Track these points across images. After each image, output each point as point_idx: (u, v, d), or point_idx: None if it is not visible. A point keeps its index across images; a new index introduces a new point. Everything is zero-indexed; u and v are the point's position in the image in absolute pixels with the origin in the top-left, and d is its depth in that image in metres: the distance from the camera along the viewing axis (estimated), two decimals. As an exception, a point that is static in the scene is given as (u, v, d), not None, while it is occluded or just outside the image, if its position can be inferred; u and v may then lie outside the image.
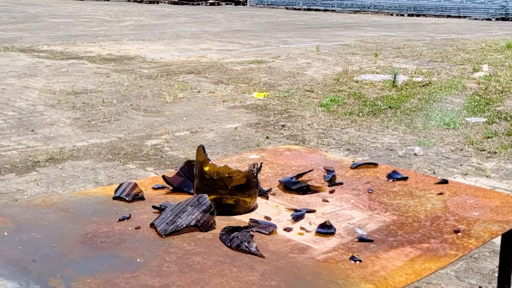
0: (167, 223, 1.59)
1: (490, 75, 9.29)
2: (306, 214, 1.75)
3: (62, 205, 1.79)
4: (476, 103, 7.28)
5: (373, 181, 2.09)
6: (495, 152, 5.31)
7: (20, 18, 19.89)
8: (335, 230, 1.63)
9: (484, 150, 5.38)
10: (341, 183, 2.05)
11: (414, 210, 1.81)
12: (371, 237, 1.60)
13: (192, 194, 1.84)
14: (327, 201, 1.89)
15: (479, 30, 18.96)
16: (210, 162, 1.77)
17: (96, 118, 6.34)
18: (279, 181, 2.04)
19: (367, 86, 8.40)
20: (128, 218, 1.69)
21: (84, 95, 7.49)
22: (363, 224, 1.69)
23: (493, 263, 3.25)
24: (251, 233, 1.57)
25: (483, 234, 1.64)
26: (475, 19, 24.83)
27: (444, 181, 2.08)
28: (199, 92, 7.87)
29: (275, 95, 7.70)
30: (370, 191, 1.97)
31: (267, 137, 5.70)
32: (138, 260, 1.43)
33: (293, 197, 1.92)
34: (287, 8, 30.68)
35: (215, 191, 1.75)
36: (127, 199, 1.83)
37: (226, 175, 1.76)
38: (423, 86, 8.44)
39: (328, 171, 2.16)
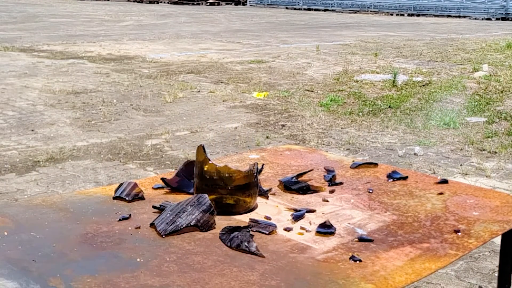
0: (167, 223, 1.59)
1: (490, 75, 9.29)
2: (306, 214, 1.75)
3: (62, 205, 1.79)
4: (476, 103, 7.27)
5: (373, 181, 2.09)
6: (495, 152, 5.30)
7: (20, 17, 19.89)
8: (335, 230, 1.63)
9: (484, 150, 5.38)
10: (341, 183, 2.05)
11: (414, 210, 1.81)
12: (371, 237, 1.60)
13: (192, 194, 1.84)
14: (327, 201, 1.89)
15: (479, 30, 18.96)
16: (210, 162, 1.78)
17: (96, 118, 6.34)
18: (279, 181, 2.04)
19: (367, 86, 8.40)
20: (128, 218, 1.69)
21: (84, 95, 7.49)
22: (363, 224, 1.69)
23: (493, 263, 3.25)
24: (251, 233, 1.56)
25: (483, 234, 1.64)
26: (475, 18, 24.83)
27: (444, 181, 2.08)
28: (199, 92, 7.87)
29: (275, 95, 7.70)
30: (370, 191, 1.97)
31: (267, 137, 5.70)
32: (138, 260, 1.43)
33: (293, 197, 1.92)
34: (287, 8, 30.67)
35: (215, 191, 1.75)
36: (127, 199, 1.83)
37: (226, 175, 1.76)
38: (423, 86, 8.43)
39: (328, 171, 2.16)
